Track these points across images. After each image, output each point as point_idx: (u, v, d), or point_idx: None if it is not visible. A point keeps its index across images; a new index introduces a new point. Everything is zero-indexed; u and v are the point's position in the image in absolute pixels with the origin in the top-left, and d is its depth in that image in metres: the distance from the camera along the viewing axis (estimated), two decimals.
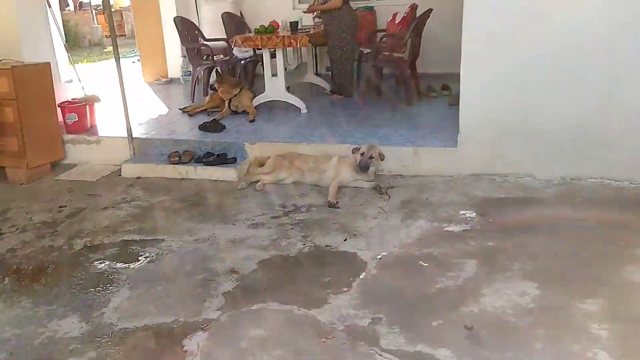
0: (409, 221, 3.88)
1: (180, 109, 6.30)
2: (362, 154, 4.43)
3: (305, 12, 6.62)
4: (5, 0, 5.20)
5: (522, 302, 2.89)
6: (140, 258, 3.58)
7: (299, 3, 8.33)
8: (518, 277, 3.12)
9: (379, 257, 3.42)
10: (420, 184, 4.52)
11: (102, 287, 3.25)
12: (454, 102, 6.01)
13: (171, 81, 8.35)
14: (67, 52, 6.12)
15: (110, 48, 16.65)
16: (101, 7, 20.17)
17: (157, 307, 3.03)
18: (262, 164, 4.86)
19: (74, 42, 16.92)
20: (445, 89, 6.59)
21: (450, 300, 2.95)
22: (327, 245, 3.61)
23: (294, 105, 6.07)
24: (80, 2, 18.59)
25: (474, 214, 3.94)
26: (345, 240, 3.66)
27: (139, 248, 3.71)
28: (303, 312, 2.90)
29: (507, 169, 4.52)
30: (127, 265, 3.50)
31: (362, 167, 4.42)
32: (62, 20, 17.64)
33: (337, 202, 4.23)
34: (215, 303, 3.03)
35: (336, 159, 4.63)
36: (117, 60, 5.11)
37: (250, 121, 5.70)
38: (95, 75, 9.59)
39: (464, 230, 3.71)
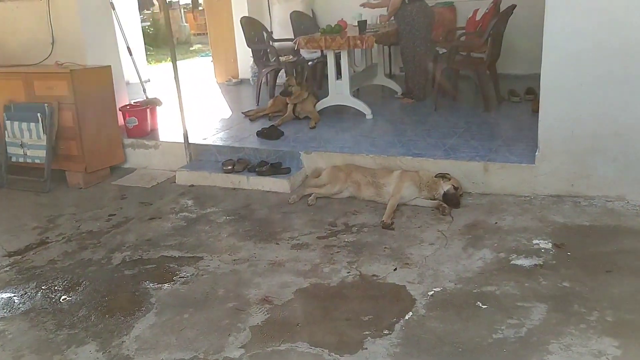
0: (471, 250, 3.41)
1: (242, 113, 6.10)
2: (456, 189, 4.01)
3: (362, 5, 6.16)
4: (68, 4, 5.19)
5: None
6: (174, 278, 3.37)
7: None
8: (595, 330, 2.59)
9: (430, 293, 2.99)
10: (489, 204, 4.01)
11: (129, 311, 3.06)
12: (539, 109, 5.40)
13: (241, 82, 8.22)
14: (131, 55, 6.08)
15: (196, 46, 17.00)
16: (190, 5, 20.65)
17: (178, 338, 2.78)
18: (319, 176, 4.55)
19: (162, 41, 17.40)
20: (530, 93, 5.94)
21: (509, 356, 2.48)
22: (373, 275, 3.22)
23: (360, 110, 5.70)
24: (170, 1, 19.08)
25: (550, 244, 3.40)
26: (395, 269, 3.26)
27: (176, 266, 3.51)
28: (334, 359, 2.55)
29: (594, 191, 3.91)
30: (159, 285, 3.29)
31: (452, 203, 3.96)
32: (152, 20, 18.06)
33: (393, 223, 3.83)
34: (241, 338, 2.74)
35: (398, 172, 4.21)
36: (174, 62, 4.98)
37: (312, 128, 5.39)
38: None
39: (535, 265, 3.19)
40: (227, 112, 6.45)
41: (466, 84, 6.54)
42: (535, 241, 3.45)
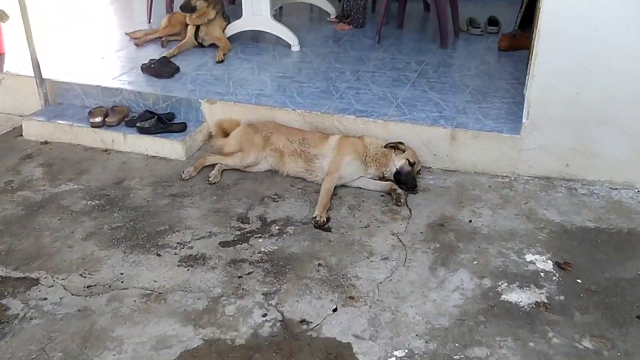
0: (443, 272, 2.36)
1: (126, 34, 4.57)
2: (412, 165, 2.88)
3: None
4: None
5: None
6: None
7: None
8: None
9: None
10: (458, 188, 2.95)
11: None
12: (507, 46, 4.32)
13: None
14: None
15: None
16: None
17: None
18: (227, 135, 3.29)
19: None
20: (493, 24, 4.82)
21: None
22: (302, 321, 2.11)
23: (283, 38, 4.36)
24: None
25: (550, 264, 2.41)
26: (334, 310, 2.17)
27: None
28: None
29: (595, 174, 2.94)
30: None
31: (408, 185, 2.87)
32: None
33: (329, 219, 2.70)
34: None
35: (336, 139, 3.03)
36: None
37: (219, 62, 4.02)
38: None
39: (536, 303, 2.20)
40: (104, 33, 4.82)
41: (414, 9, 5.30)
42: (528, 257, 2.45)
